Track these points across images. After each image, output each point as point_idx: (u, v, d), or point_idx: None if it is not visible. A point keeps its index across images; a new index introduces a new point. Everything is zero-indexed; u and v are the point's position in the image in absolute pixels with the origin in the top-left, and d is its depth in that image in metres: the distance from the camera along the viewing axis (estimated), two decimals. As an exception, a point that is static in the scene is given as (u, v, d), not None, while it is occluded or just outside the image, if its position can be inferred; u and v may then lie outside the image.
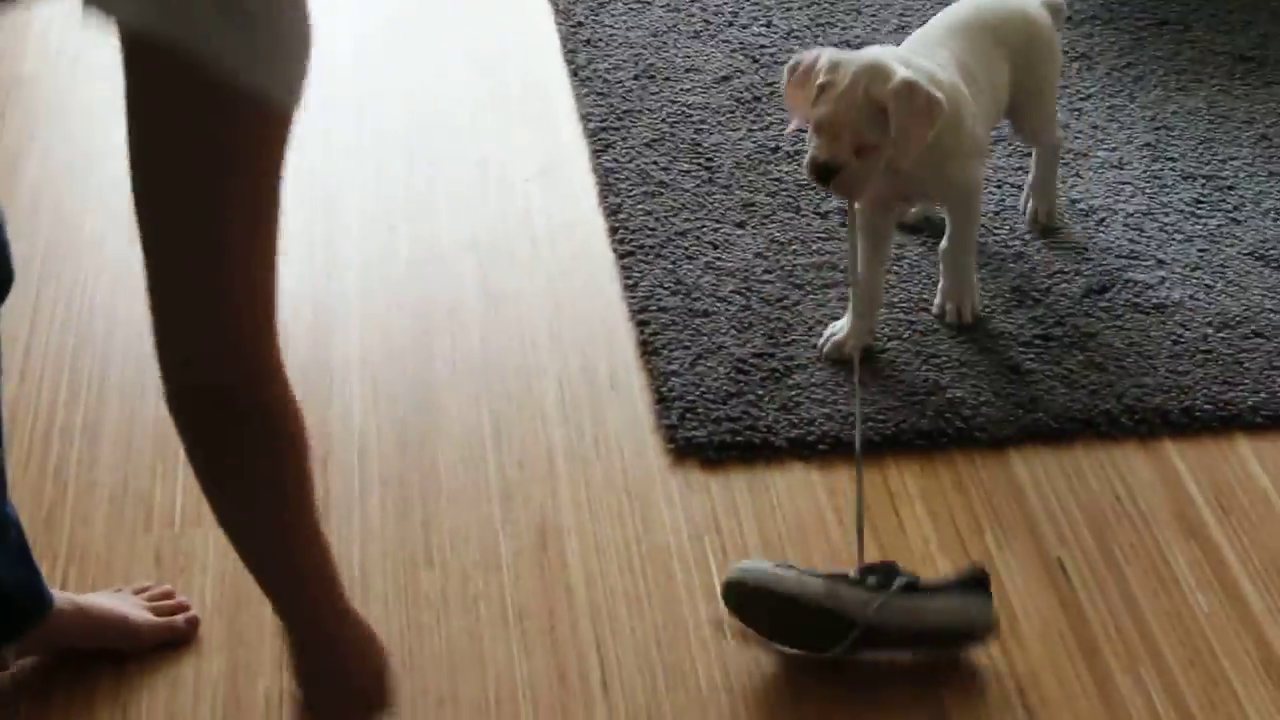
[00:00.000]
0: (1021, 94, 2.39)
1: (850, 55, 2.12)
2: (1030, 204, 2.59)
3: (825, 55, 2.11)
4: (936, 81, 2.15)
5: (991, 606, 1.90)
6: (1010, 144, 2.75)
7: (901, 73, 2.08)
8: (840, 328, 2.32)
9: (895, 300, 2.43)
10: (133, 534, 2.05)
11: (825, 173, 2.10)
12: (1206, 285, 2.50)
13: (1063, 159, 2.71)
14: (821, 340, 2.33)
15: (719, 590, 1.94)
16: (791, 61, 2.15)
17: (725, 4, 3.10)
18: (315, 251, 2.51)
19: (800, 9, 3.10)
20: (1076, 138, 2.80)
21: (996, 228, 2.59)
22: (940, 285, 2.39)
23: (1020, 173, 2.69)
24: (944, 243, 2.36)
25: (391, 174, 2.69)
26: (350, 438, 2.19)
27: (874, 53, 2.16)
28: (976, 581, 1.90)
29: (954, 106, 2.17)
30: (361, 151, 2.73)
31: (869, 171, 2.10)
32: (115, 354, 2.32)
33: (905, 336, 2.37)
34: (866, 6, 3.11)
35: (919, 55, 2.22)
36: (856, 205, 2.21)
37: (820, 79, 2.09)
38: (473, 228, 2.58)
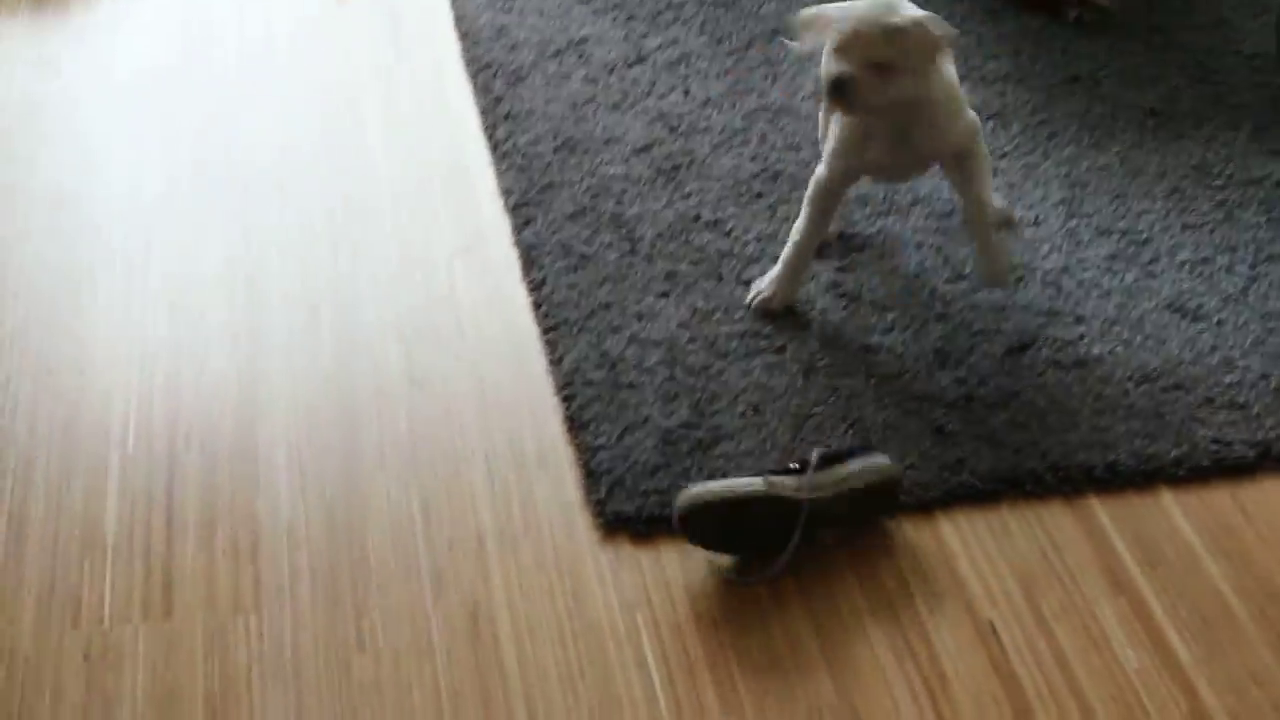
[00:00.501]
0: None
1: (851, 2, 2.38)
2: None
3: (828, 8, 2.39)
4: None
5: (889, 460, 2.21)
6: (928, 205, 2.80)
7: (914, 10, 2.37)
8: (768, 284, 2.55)
9: (819, 366, 2.46)
10: (61, 632, 2.04)
11: (839, 85, 2.34)
12: (1125, 340, 2.54)
13: (980, 218, 2.75)
14: (749, 297, 2.55)
15: (675, 521, 2.13)
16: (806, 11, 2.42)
17: (643, 74, 3.14)
18: (239, 337, 2.52)
19: (716, 77, 3.14)
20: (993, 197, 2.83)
21: (918, 289, 2.63)
22: (975, 257, 2.55)
23: (939, 234, 2.73)
24: (965, 212, 2.53)
25: (314, 256, 2.70)
26: (279, 526, 2.20)
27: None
28: (865, 445, 2.27)
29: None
30: (283, 234, 2.74)
31: (878, 87, 2.34)
32: (39, 449, 2.32)
33: (829, 401, 2.40)
34: (783, 72, 3.16)
35: None
36: (824, 178, 2.50)
37: (834, 22, 2.36)
38: (397, 308, 2.60)
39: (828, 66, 2.37)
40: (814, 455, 2.19)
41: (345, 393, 2.43)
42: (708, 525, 2.15)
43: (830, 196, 2.53)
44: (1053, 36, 3.31)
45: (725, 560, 2.17)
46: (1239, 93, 3.16)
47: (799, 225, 2.54)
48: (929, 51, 2.37)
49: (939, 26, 2.36)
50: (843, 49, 2.36)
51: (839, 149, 2.49)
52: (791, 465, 2.20)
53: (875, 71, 2.34)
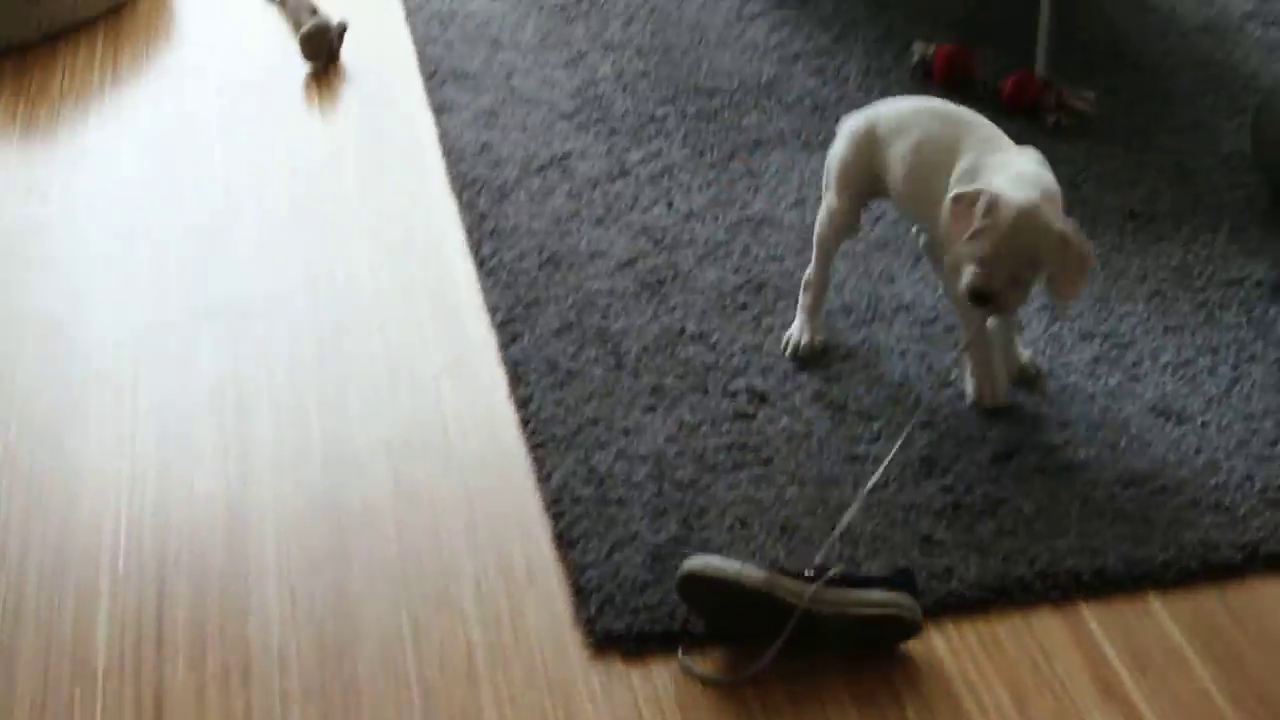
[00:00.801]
0: None
1: (1008, 195, 2.33)
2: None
3: (984, 196, 2.34)
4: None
5: (916, 602, 2.17)
6: (911, 313, 2.83)
7: (1058, 225, 2.34)
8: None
9: (807, 478, 2.48)
10: (51, 762, 2.04)
11: (981, 298, 2.38)
12: (1111, 444, 2.57)
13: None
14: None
15: (676, 580, 2.19)
16: (953, 193, 2.38)
17: (626, 189, 3.18)
18: (228, 456, 2.54)
19: (699, 189, 3.18)
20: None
21: (903, 397, 2.65)
22: (970, 373, 2.61)
23: (922, 341, 2.76)
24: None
25: (303, 373, 2.73)
26: (269, 650, 2.20)
27: (1026, 193, 2.35)
28: (903, 578, 2.19)
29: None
30: (272, 356, 2.77)
31: (1020, 298, 2.41)
32: (30, 573, 2.33)
33: (818, 514, 2.42)
34: (765, 183, 3.20)
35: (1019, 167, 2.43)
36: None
37: (979, 219, 2.33)
38: (385, 426, 2.62)
39: (964, 270, 2.37)
40: (833, 570, 2.19)
41: (334, 512, 2.44)
42: (701, 596, 2.19)
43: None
44: (1031, 141, 3.33)
45: (707, 668, 2.17)
46: (1217, 193, 3.21)
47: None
48: (1078, 271, 2.36)
49: (1086, 242, 2.37)
50: (985, 262, 2.35)
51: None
52: (806, 572, 2.20)
53: (1018, 283, 2.38)
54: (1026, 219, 2.34)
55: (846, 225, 2.71)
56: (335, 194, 3.20)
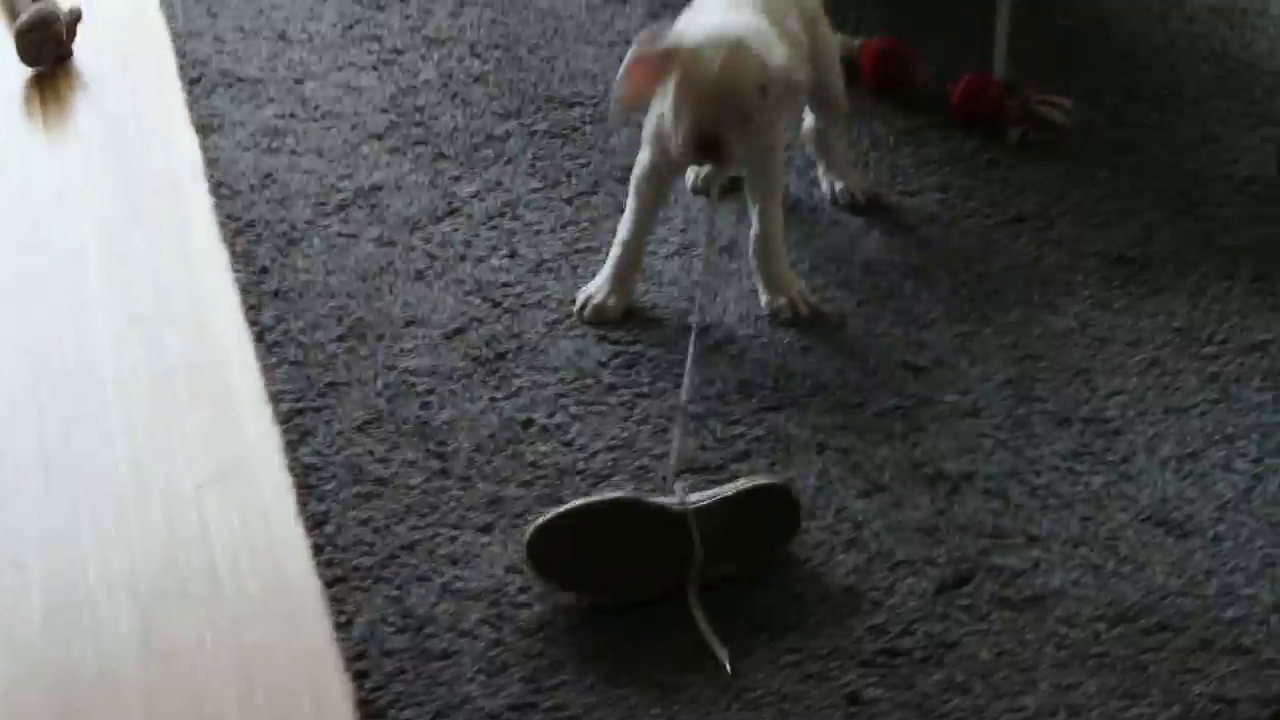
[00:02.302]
0: (821, 57, 3.15)
1: (709, 34, 2.80)
2: (833, 185, 3.30)
3: (681, 38, 2.81)
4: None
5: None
6: (829, 395, 2.86)
7: (776, 58, 2.78)
8: (598, 288, 3.01)
9: (694, 640, 2.49)
10: None
11: (710, 144, 2.77)
12: (1094, 565, 2.60)
13: (902, 409, 2.83)
14: (578, 305, 3.01)
15: (525, 554, 2.47)
16: (639, 47, 2.82)
17: (455, 232, 3.20)
18: (-85, 608, 2.51)
19: (552, 232, 3.21)
20: (918, 380, 2.91)
21: (821, 508, 2.67)
22: (762, 284, 3.05)
23: (844, 431, 2.79)
24: (754, 232, 3.05)
25: (20, 491, 2.70)
26: None
27: (730, 30, 2.81)
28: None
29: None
30: (-25, 463, 2.75)
31: (744, 139, 2.81)
32: None
33: (708, 667, 2.43)
34: (639, 223, 3.22)
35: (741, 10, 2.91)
36: (646, 164, 3.00)
37: (685, 58, 2.77)
38: (130, 559, 2.60)
39: (676, 121, 2.81)
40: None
41: (62, 678, 2.42)
42: (558, 552, 2.46)
43: (656, 183, 3.01)
44: (992, 164, 3.42)
45: None
46: (1233, 230, 3.27)
47: (627, 220, 3.02)
48: (794, 101, 2.88)
49: (798, 72, 2.84)
50: (701, 98, 2.78)
51: (655, 135, 2.96)
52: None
53: (741, 122, 2.79)
54: (739, 51, 2.77)
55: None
56: (66, 246, 3.19)
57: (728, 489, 2.57)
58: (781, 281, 3.06)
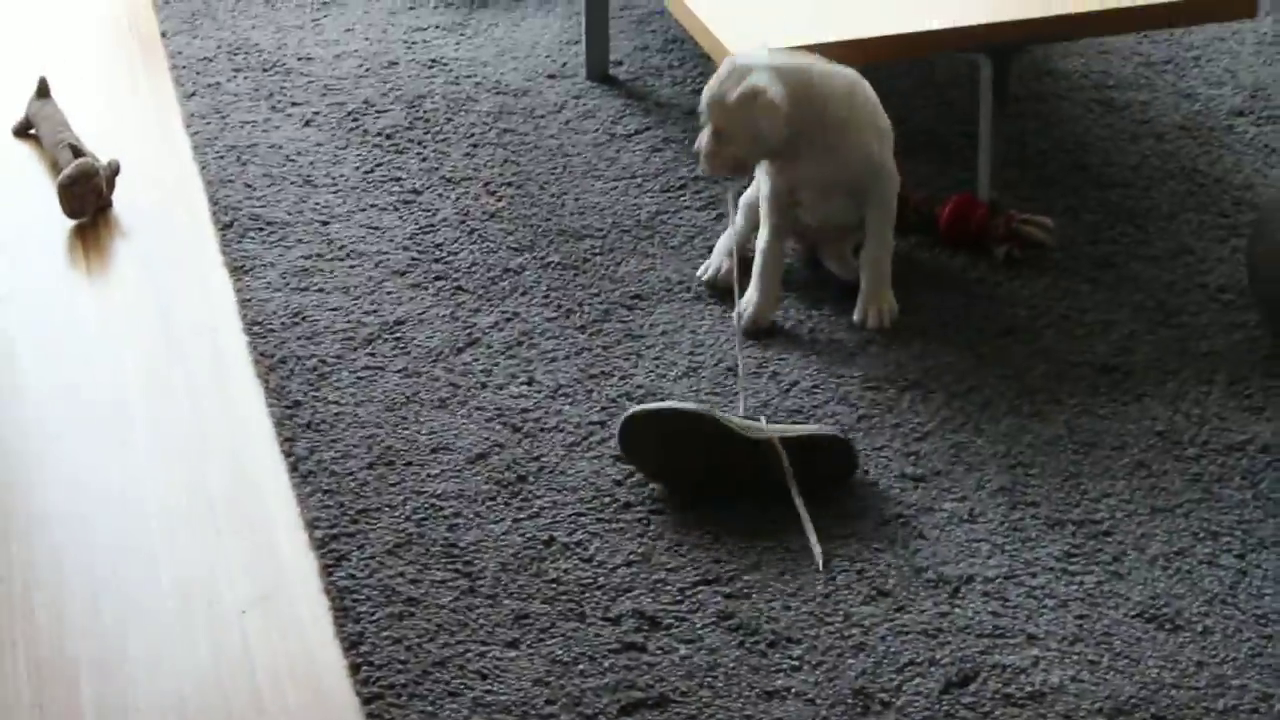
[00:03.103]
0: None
1: (747, 54, 3.19)
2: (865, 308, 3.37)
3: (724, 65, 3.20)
4: (822, 92, 3.21)
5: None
6: (831, 507, 2.86)
7: (754, 79, 3.11)
8: (750, 302, 3.29)
9: (711, 724, 2.49)
10: None
11: (695, 153, 3.21)
12: (1091, 661, 2.60)
13: (903, 518, 2.84)
14: (736, 317, 3.29)
15: (618, 438, 2.90)
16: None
17: (475, 362, 3.21)
18: (-26, 735, 2.52)
19: (567, 359, 3.22)
20: (918, 489, 2.92)
21: (829, 614, 2.68)
22: (860, 292, 3.30)
23: (851, 541, 2.80)
24: (865, 251, 3.29)
25: (71, 614, 2.71)
26: None
27: (765, 53, 3.19)
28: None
29: (851, 87, 3.24)
30: (30, 586, 2.75)
31: (720, 155, 3.19)
32: None
33: (727, 770, 2.43)
34: (649, 348, 3.25)
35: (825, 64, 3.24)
36: (771, 186, 3.30)
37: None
38: (177, 682, 2.60)
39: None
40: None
41: (113, 799, 2.42)
42: (645, 439, 2.87)
43: (783, 196, 3.30)
44: (979, 281, 3.44)
45: None
46: (1209, 337, 3.29)
47: (763, 235, 3.31)
48: (763, 123, 3.11)
49: (766, 92, 3.09)
50: (702, 110, 3.19)
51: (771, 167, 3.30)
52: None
53: (716, 139, 3.17)
54: (732, 68, 3.14)
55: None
56: (109, 383, 3.21)
57: (799, 429, 2.91)
58: (881, 296, 3.30)
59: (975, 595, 2.71)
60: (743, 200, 3.45)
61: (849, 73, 3.25)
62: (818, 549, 2.78)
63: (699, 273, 3.45)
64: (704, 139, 3.19)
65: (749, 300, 3.31)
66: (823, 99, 3.20)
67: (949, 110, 4.01)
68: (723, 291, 3.39)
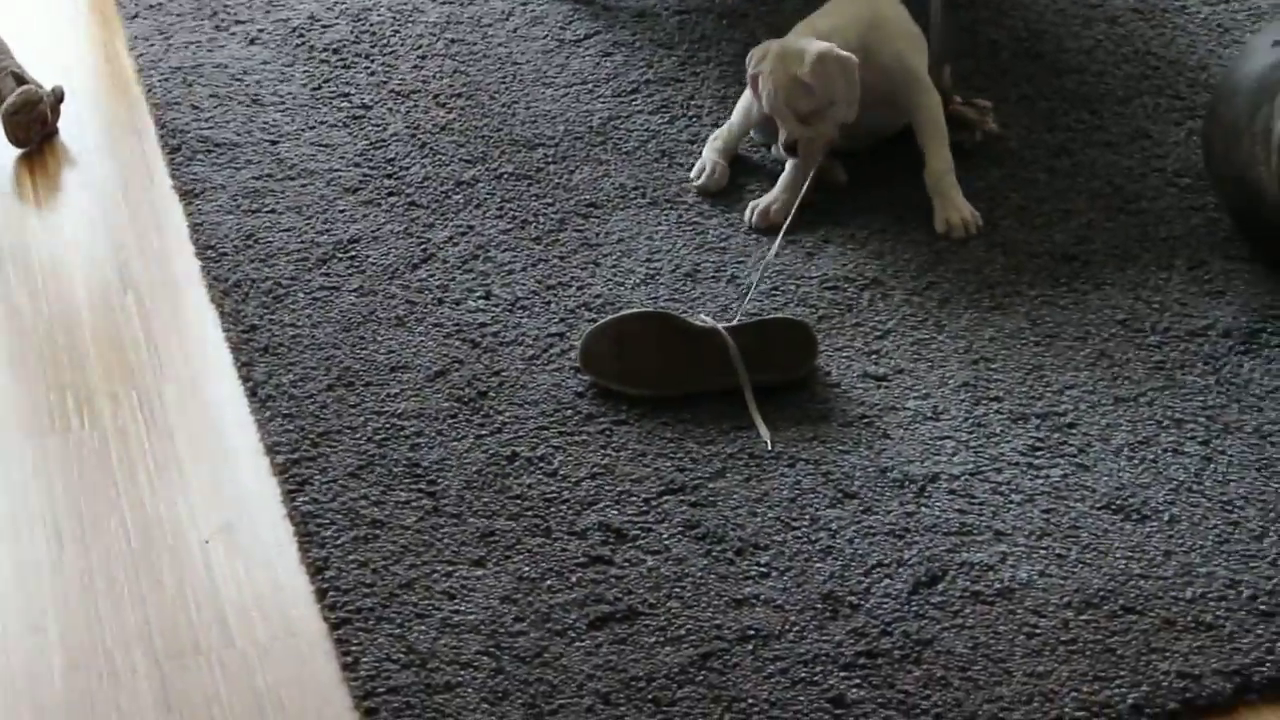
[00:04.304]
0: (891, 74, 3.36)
1: (770, 43, 3.22)
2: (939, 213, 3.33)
3: (755, 50, 3.24)
4: (845, 38, 3.22)
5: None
6: (795, 405, 2.85)
7: (812, 48, 3.16)
8: (774, 198, 3.29)
9: (683, 632, 2.48)
10: None
11: (791, 148, 3.23)
12: (1058, 555, 2.60)
13: (866, 418, 2.82)
14: (748, 213, 3.29)
15: (578, 356, 2.92)
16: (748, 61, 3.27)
17: (431, 278, 3.18)
18: (-59, 678, 2.50)
19: (524, 271, 3.19)
20: (880, 388, 2.90)
21: (795, 518, 2.67)
22: (935, 205, 3.27)
23: (814, 444, 2.78)
24: (927, 167, 3.28)
25: (34, 556, 2.68)
26: None
27: (790, 38, 3.25)
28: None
29: (869, 40, 3.29)
30: (-10, 534, 2.74)
31: (821, 134, 3.23)
32: None
33: (698, 680, 2.42)
34: (606, 256, 3.22)
35: (828, 16, 3.32)
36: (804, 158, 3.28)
37: (751, 72, 3.24)
38: (144, 616, 2.59)
39: (780, 133, 3.24)
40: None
41: (83, 735, 2.41)
42: (603, 353, 2.90)
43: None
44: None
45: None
46: (1167, 222, 3.27)
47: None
48: (844, 80, 3.15)
49: (833, 50, 3.15)
50: (776, 109, 3.21)
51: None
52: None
53: (807, 119, 3.19)
54: (784, 56, 3.18)
55: None
56: (61, 312, 3.17)
57: (750, 321, 2.94)
58: (955, 204, 3.25)
59: (941, 494, 2.71)
60: (740, 103, 3.44)
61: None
62: (765, 431, 2.81)
63: (691, 175, 3.42)
64: (792, 133, 3.21)
65: (769, 195, 3.32)
66: (859, 32, 3.28)
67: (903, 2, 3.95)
68: (715, 194, 3.39)
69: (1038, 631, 2.48)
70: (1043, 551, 2.60)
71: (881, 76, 3.27)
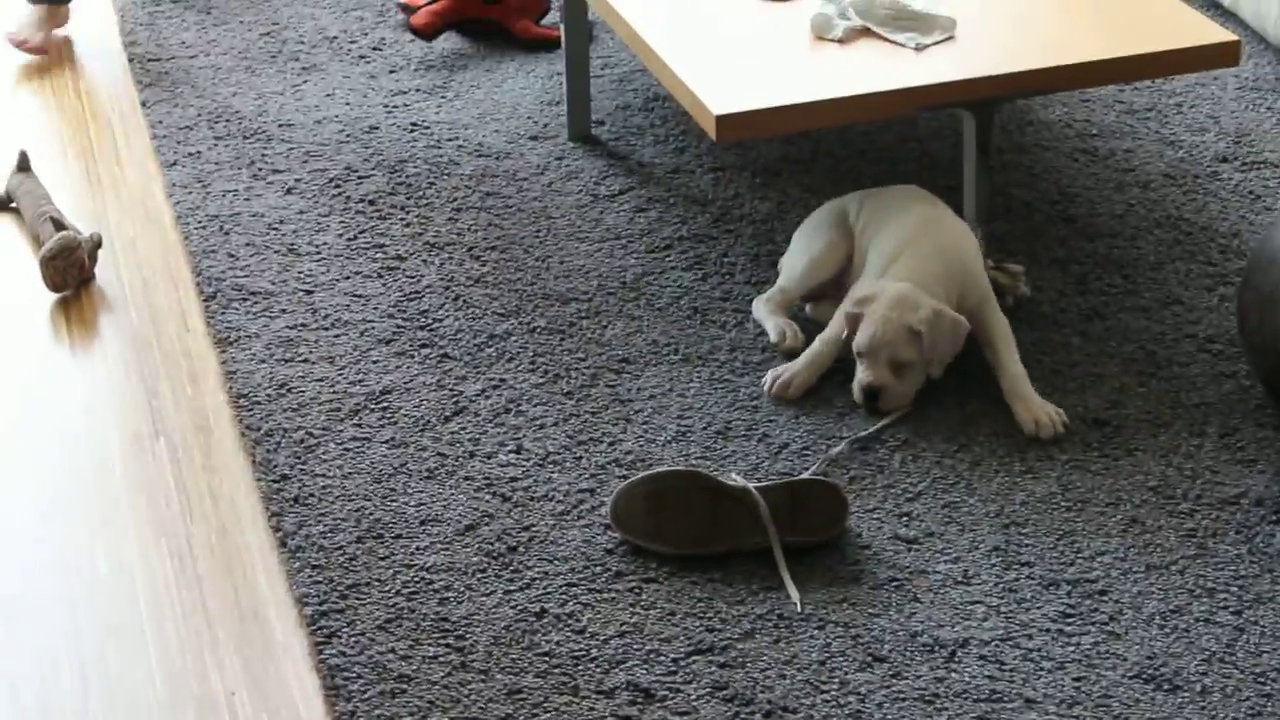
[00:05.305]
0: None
1: (877, 286, 3.23)
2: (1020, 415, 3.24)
3: (862, 288, 3.26)
4: (931, 277, 3.26)
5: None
6: (827, 569, 2.84)
7: (928, 302, 3.18)
8: (789, 368, 3.28)
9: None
10: None
11: (872, 394, 3.21)
12: (1089, 724, 2.59)
13: (896, 580, 2.82)
14: (766, 384, 3.28)
15: (609, 513, 2.93)
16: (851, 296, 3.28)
17: (463, 430, 3.19)
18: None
19: (555, 426, 3.20)
20: (911, 551, 2.90)
21: (824, 681, 2.66)
22: (1016, 413, 3.20)
23: (845, 606, 2.78)
24: (1002, 377, 3.25)
25: (59, 704, 2.68)
26: None
27: (897, 285, 3.22)
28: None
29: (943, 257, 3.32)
30: (16, 673, 2.73)
31: (909, 386, 3.23)
32: None
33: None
34: (637, 413, 3.23)
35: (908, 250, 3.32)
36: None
37: (852, 310, 3.22)
38: (167, 766, 2.58)
39: (863, 376, 3.21)
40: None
41: None
42: (636, 512, 2.90)
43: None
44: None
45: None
46: (1200, 389, 3.28)
47: (829, 335, 3.31)
48: (951, 339, 3.20)
49: (946, 311, 3.18)
50: (871, 352, 3.19)
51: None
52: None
53: (897, 370, 3.19)
54: (900, 302, 3.20)
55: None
56: (94, 464, 3.19)
57: (781, 481, 2.93)
58: (1038, 403, 3.20)
59: (971, 659, 2.70)
60: (799, 266, 3.50)
61: (933, 238, 3.35)
62: (795, 591, 2.82)
63: (773, 339, 3.43)
64: (880, 379, 3.21)
65: (793, 367, 3.30)
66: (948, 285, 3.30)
67: (933, 163, 4.00)
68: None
69: (1068, 802, 2.46)
70: (1074, 720, 2.59)
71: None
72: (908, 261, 3.30)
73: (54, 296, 3.66)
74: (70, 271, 3.64)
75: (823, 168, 3.98)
